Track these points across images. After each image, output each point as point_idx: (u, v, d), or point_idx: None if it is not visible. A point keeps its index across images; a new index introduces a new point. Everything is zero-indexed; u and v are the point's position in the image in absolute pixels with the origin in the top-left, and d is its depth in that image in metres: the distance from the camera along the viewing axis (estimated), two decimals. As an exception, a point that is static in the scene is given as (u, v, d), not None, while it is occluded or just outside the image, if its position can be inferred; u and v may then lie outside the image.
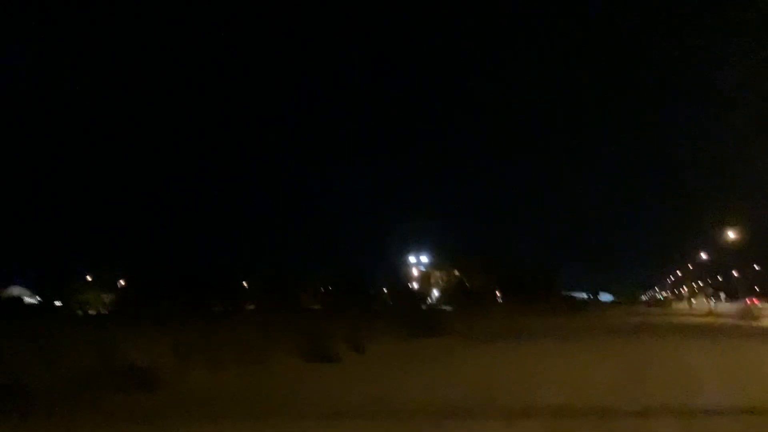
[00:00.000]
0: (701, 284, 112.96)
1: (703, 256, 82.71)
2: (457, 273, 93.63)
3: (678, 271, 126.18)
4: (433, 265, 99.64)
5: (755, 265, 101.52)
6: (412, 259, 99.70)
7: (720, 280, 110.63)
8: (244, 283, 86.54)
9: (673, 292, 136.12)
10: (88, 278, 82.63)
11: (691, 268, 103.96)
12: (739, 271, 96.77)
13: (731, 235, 60.19)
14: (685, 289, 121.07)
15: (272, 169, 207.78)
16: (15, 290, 78.17)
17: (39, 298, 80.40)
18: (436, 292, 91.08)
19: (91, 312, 63.17)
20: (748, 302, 63.81)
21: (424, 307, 67.31)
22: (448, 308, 53.06)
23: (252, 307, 66.75)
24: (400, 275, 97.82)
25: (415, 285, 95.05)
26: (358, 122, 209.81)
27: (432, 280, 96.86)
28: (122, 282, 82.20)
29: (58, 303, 76.01)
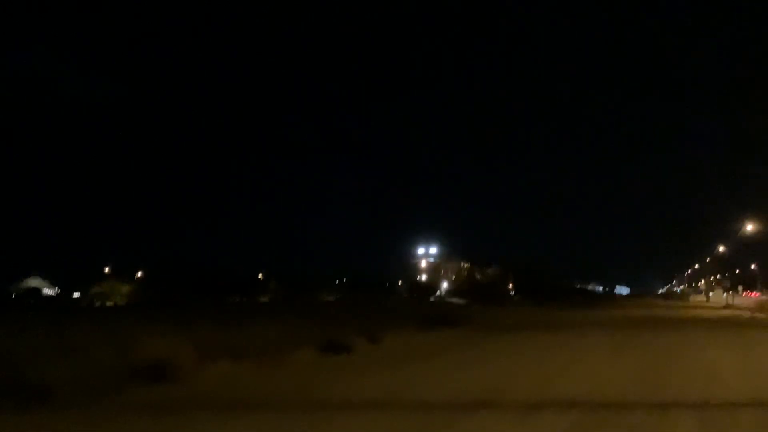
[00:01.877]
0: (719, 277, 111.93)
1: (721, 248, 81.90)
2: (466, 265, 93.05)
3: (696, 264, 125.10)
4: (443, 257, 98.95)
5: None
6: (420, 250, 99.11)
7: (738, 272, 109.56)
8: (260, 276, 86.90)
9: (690, 285, 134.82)
10: (106, 270, 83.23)
11: (708, 260, 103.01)
12: (757, 264, 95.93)
13: (749, 227, 59.59)
14: (703, 282, 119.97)
15: (287, 168, 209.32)
16: (33, 281, 78.86)
17: (57, 289, 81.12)
18: (445, 284, 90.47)
19: (109, 303, 63.64)
20: (745, 295, 63.57)
21: (432, 299, 66.85)
22: (458, 301, 52.33)
23: (266, 299, 67.05)
24: (411, 267, 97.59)
25: (424, 277, 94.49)
26: (370, 120, 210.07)
27: (441, 272, 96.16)
28: (140, 273, 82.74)
29: (76, 294, 76.66)
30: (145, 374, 10.45)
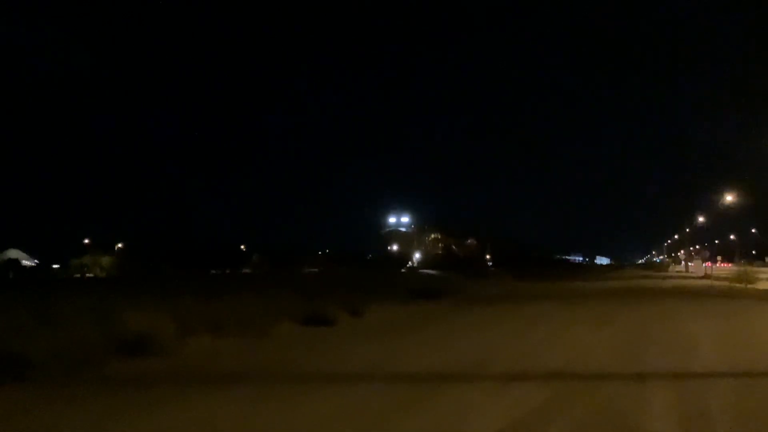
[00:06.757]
0: (698, 247, 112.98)
1: (701, 219, 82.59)
2: (439, 236, 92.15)
3: (675, 235, 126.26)
4: (415, 227, 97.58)
5: (753, 230, 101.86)
6: (392, 219, 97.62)
7: (717, 243, 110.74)
8: (242, 247, 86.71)
9: (670, 256, 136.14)
10: (86, 241, 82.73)
11: (688, 231, 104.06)
12: (736, 235, 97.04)
13: (728, 198, 60.02)
14: (683, 253, 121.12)
15: (269, 143, 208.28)
16: (12, 253, 78.08)
17: (36, 261, 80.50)
18: (417, 255, 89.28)
19: (89, 275, 63.24)
20: (723, 265, 64.41)
21: (403, 270, 65.96)
22: (432, 272, 50.80)
23: (248, 270, 66.90)
24: (382, 237, 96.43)
25: (396, 247, 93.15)
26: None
27: (414, 243, 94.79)
28: (120, 245, 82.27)
29: (55, 266, 76.15)
30: (126, 348, 10.41)
